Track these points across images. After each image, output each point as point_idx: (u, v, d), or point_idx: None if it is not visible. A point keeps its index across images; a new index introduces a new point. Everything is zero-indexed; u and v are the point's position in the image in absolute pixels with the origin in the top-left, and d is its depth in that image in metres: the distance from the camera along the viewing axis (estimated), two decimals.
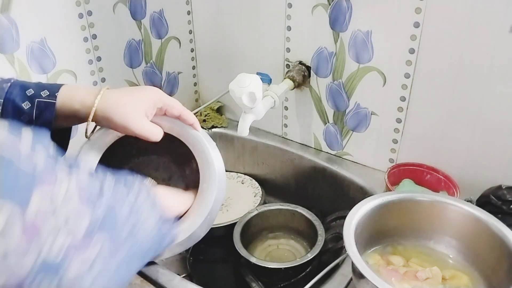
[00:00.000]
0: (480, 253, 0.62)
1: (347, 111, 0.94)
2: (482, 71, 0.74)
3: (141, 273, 0.69)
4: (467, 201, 0.66)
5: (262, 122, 1.01)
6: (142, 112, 0.58)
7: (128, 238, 0.41)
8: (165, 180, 0.69)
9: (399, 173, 0.87)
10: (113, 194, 0.41)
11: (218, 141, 1.15)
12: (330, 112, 0.97)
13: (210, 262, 0.97)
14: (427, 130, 0.85)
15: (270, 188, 1.11)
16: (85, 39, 0.91)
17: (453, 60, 0.76)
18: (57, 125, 0.57)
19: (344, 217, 0.61)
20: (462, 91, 0.77)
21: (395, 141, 0.90)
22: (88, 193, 0.37)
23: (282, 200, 1.04)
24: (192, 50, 1.17)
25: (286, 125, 1.07)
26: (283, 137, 1.09)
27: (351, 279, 0.67)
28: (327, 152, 1.03)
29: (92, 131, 0.63)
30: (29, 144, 0.35)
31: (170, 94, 1.16)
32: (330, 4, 0.86)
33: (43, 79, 0.86)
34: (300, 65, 0.95)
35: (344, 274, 0.70)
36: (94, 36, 0.92)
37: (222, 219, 0.95)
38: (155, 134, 0.59)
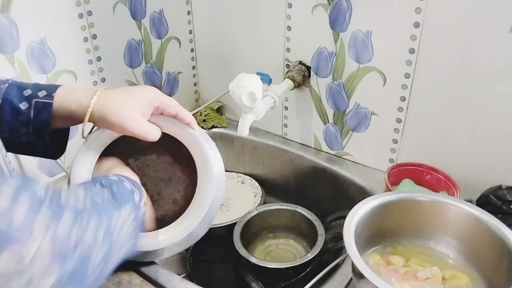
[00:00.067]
0: (480, 253, 0.62)
1: (347, 111, 0.94)
2: (482, 71, 0.74)
3: (141, 273, 0.69)
4: (467, 201, 0.66)
5: (262, 122, 1.01)
6: (139, 111, 0.57)
7: (98, 277, 0.41)
8: (164, 180, 0.69)
9: (399, 173, 0.87)
10: (91, 243, 0.40)
11: (218, 141, 1.15)
12: (330, 112, 0.97)
13: (210, 262, 0.97)
14: (427, 130, 0.85)
15: (270, 188, 1.11)
16: (85, 39, 0.91)
17: (453, 60, 0.76)
18: (55, 125, 0.57)
19: (344, 217, 0.61)
20: (462, 91, 0.77)
21: (395, 141, 0.90)
22: (62, 247, 0.37)
23: (282, 200, 1.04)
24: (192, 50, 1.17)
25: (286, 125, 1.07)
26: (283, 137, 1.09)
27: (351, 279, 0.67)
28: (327, 152, 1.03)
29: (90, 132, 0.63)
30: (8, 197, 0.34)
31: (170, 94, 1.16)
32: (330, 4, 0.86)
33: (43, 79, 0.86)
34: (300, 65, 0.95)
35: (344, 274, 0.70)
36: (94, 36, 0.92)
37: (222, 219, 0.95)
38: (152, 133, 0.59)
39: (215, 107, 1.18)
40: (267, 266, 0.81)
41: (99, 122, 0.57)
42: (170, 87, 1.15)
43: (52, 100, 0.55)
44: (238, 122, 0.84)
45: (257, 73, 1.01)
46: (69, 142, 0.64)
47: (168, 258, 0.95)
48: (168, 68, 1.12)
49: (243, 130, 0.84)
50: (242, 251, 0.82)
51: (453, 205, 0.64)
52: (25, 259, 0.33)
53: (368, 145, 0.94)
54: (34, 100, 0.55)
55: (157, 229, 0.65)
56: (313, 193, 1.04)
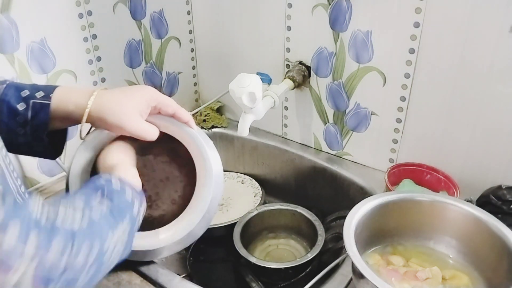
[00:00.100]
0: (480, 253, 0.62)
1: (347, 111, 0.94)
2: (482, 71, 0.74)
3: (141, 273, 0.69)
4: (467, 201, 0.66)
5: (262, 122, 1.01)
6: (137, 111, 0.57)
7: None
8: (163, 180, 0.69)
9: (399, 173, 0.87)
10: (81, 267, 0.40)
11: (218, 141, 1.15)
12: (330, 112, 0.97)
13: (210, 262, 0.97)
14: (427, 130, 0.85)
15: (270, 188, 1.11)
16: (85, 39, 0.91)
17: (453, 60, 0.76)
18: (53, 126, 0.57)
19: (344, 217, 0.61)
20: (462, 91, 0.77)
21: (395, 141, 0.90)
22: (48, 273, 0.37)
23: (282, 200, 1.04)
24: (192, 50, 1.17)
25: (286, 125, 1.07)
26: (283, 137, 1.09)
27: (351, 279, 0.67)
28: (327, 152, 1.03)
29: (88, 133, 0.63)
30: None
31: (170, 94, 1.16)
32: (330, 4, 0.86)
33: (43, 79, 0.86)
34: (300, 65, 0.95)
35: (344, 274, 0.70)
36: (94, 36, 0.92)
37: (222, 219, 0.95)
38: (150, 133, 0.59)
39: (215, 107, 1.18)
40: (267, 266, 0.81)
41: (97, 122, 0.57)
42: (170, 87, 1.15)
43: (50, 100, 0.55)
44: (238, 122, 0.84)
45: (257, 73, 1.01)
46: (69, 142, 0.64)
47: (168, 258, 0.95)
48: (168, 68, 1.12)
49: (243, 130, 0.84)
50: (242, 251, 0.82)
51: (453, 205, 0.64)
52: (7, 284, 0.34)
53: (368, 145, 0.94)
54: (31, 101, 0.55)
55: (157, 229, 0.65)
56: (313, 193, 1.04)
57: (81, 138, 0.62)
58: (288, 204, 0.96)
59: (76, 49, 0.90)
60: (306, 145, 1.06)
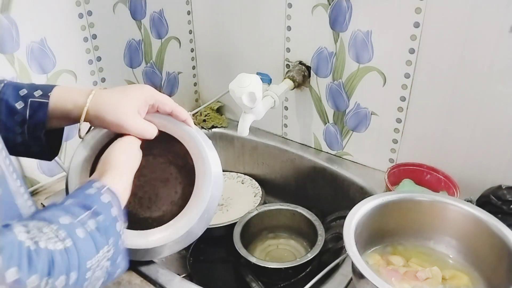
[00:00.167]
0: (480, 253, 0.62)
1: (347, 111, 0.94)
2: (482, 71, 0.74)
3: (141, 273, 0.69)
4: (467, 201, 0.66)
5: (262, 122, 1.01)
6: (134, 110, 0.57)
7: None
8: (162, 180, 0.69)
9: (399, 173, 0.87)
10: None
11: (218, 141, 1.15)
12: (330, 112, 0.97)
13: (210, 262, 0.97)
14: (427, 130, 0.85)
15: (270, 188, 1.11)
16: (85, 39, 0.91)
17: (453, 60, 0.76)
18: (51, 125, 0.57)
19: (344, 217, 0.61)
20: (462, 91, 0.77)
21: (395, 141, 0.90)
22: None
23: (282, 200, 1.04)
24: (192, 50, 1.17)
25: (286, 125, 1.07)
26: (283, 137, 1.09)
27: (351, 279, 0.67)
28: (327, 152, 1.03)
29: (87, 132, 0.63)
30: None
31: (170, 94, 1.16)
32: (330, 4, 0.86)
33: (43, 79, 0.86)
34: (300, 65, 0.95)
35: (344, 274, 0.70)
36: (94, 36, 0.92)
37: (222, 219, 0.95)
38: (148, 131, 0.59)
39: (215, 107, 1.18)
40: (267, 266, 0.81)
41: (95, 121, 0.57)
42: (170, 87, 1.15)
43: (48, 99, 0.55)
44: (238, 122, 0.84)
45: (257, 73, 1.01)
46: (69, 142, 0.64)
47: (168, 258, 0.95)
48: (168, 68, 1.12)
49: (243, 130, 0.84)
50: (242, 251, 0.82)
51: (453, 205, 0.64)
52: None
53: (368, 145, 0.94)
54: (29, 99, 0.55)
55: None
56: (313, 193, 1.04)
57: (80, 137, 0.62)
58: (288, 204, 0.96)
59: (76, 49, 0.90)
60: (306, 145, 1.06)
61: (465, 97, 0.78)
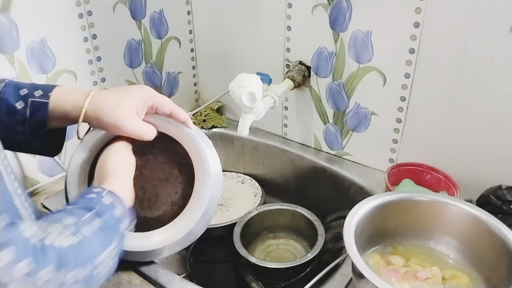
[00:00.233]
0: (480, 253, 0.62)
1: (347, 111, 0.94)
2: (482, 71, 0.74)
3: (141, 273, 0.69)
4: (467, 201, 0.66)
5: (262, 122, 1.01)
6: (133, 111, 0.57)
7: None
8: (161, 180, 0.68)
9: (399, 173, 0.87)
10: (73, 284, 0.41)
11: (218, 141, 1.15)
12: (330, 112, 0.97)
13: (210, 262, 0.97)
14: (427, 130, 0.85)
15: (270, 188, 1.11)
16: (85, 39, 0.91)
17: (453, 60, 0.76)
18: (51, 125, 0.57)
19: (344, 217, 0.61)
20: (462, 91, 0.77)
21: (395, 141, 0.90)
22: None
23: (282, 200, 1.04)
24: (192, 50, 1.17)
25: (286, 125, 1.07)
26: (283, 137, 1.09)
27: (351, 279, 0.67)
28: (327, 152, 1.03)
29: (86, 132, 0.63)
30: None
31: (170, 94, 1.16)
32: (330, 4, 0.86)
33: (43, 79, 0.86)
34: (300, 65, 0.95)
35: (344, 274, 0.70)
36: (94, 36, 0.92)
37: (222, 219, 0.95)
38: (147, 133, 0.59)
39: (215, 107, 1.18)
40: (267, 266, 0.81)
41: (93, 122, 0.57)
42: (170, 87, 1.15)
43: (48, 99, 0.55)
44: (238, 122, 0.84)
45: (257, 73, 1.01)
46: (69, 142, 0.64)
47: (168, 258, 0.95)
48: (168, 68, 1.12)
49: (243, 130, 0.84)
50: (242, 251, 0.82)
51: (453, 205, 0.64)
52: None
53: (368, 145, 0.94)
54: (30, 99, 0.55)
55: (156, 229, 0.65)
56: (313, 193, 1.04)
57: (78, 138, 0.62)
58: (288, 204, 0.95)
59: (76, 49, 0.90)
60: (306, 145, 1.06)
61: (465, 97, 0.78)
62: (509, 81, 0.72)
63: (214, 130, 1.15)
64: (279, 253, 0.95)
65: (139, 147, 0.66)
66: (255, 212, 0.93)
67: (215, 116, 1.17)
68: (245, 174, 1.15)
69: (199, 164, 0.63)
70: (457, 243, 0.65)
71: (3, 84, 0.55)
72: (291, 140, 1.08)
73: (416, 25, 0.77)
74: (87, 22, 0.90)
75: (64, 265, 0.40)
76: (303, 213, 0.92)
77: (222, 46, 1.10)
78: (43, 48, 0.84)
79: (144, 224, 0.67)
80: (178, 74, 1.16)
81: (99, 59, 0.95)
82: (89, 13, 0.89)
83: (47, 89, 0.56)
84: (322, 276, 0.68)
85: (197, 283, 0.68)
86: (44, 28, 0.83)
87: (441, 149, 0.84)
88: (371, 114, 0.91)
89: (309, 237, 0.91)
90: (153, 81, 1.10)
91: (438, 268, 0.62)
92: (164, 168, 0.68)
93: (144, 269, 0.69)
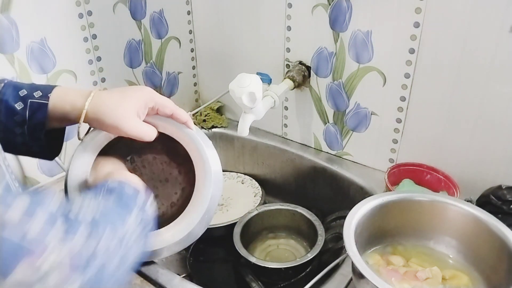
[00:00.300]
0: (480, 253, 0.62)
1: (347, 111, 0.94)
2: (482, 71, 0.74)
3: (141, 273, 0.69)
4: (467, 201, 0.66)
5: (262, 122, 1.01)
6: (134, 112, 0.57)
7: (114, 282, 0.43)
8: (161, 181, 0.68)
9: (399, 173, 0.87)
10: (107, 252, 0.41)
11: (218, 141, 1.15)
12: (330, 112, 0.97)
13: (210, 262, 0.97)
14: (427, 130, 0.85)
15: (270, 188, 1.11)
16: (85, 39, 0.91)
17: (453, 60, 0.76)
18: (51, 126, 0.57)
19: (344, 217, 0.61)
20: (462, 91, 0.77)
21: (395, 141, 0.90)
22: (80, 258, 0.38)
23: (282, 200, 1.04)
24: (192, 50, 1.17)
25: (286, 125, 1.07)
26: (283, 137, 1.09)
27: (351, 279, 0.67)
28: (327, 152, 1.03)
29: (86, 133, 0.63)
30: (21, 211, 0.35)
31: (170, 94, 1.16)
32: (330, 4, 0.86)
33: (43, 79, 0.86)
34: (300, 65, 0.95)
35: (344, 274, 0.70)
36: (94, 36, 0.92)
37: (222, 219, 0.95)
38: (148, 133, 0.59)
39: (215, 107, 1.18)
40: (267, 266, 0.81)
41: (94, 123, 0.57)
42: (170, 87, 1.15)
43: (48, 100, 0.55)
44: (238, 122, 0.84)
45: (257, 73, 1.01)
46: (69, 142, 0.64)
47: (168, 258, 0.95)
48: (168, 68, 1.12)
49: (243, 130, 0.84)
50: (242, 251, 0.82)
51: (453, 205, 0.64)
52: (42, 269, 0.34)
53: (368, 145, 0.94)
54: (29, 100, 0.55)
55: (156, 229, 0.65)
56: (313, 193, 1.04)
57: (79, 139, 0.62)
58: (288, 204, 0.95)
59: (76, 49, 0.90)
60: (306, 145, 1.06)
61: (465, 97, 0.78)
62: (509, 81, 0.72)
63: (214, 130, 1.15)
64: (279, 253, 0.95)
65: (141, 148, 0.66)
66: (255, 212, 0.93)
67: (215, 116, 1.17)
68: (245, 174, 1.15)
69: (200, 165, 0.63)
70: (457, 243, 0.65)
71: (2, 84, 0.55)
72: (291, 140, 1.08)
73: (416, 25, 0.77)
74: (87, 22, 0.90)
75: (95, 231, 0.40)
76: (303, 213, 0.92)
77: (222, 46, 1.10)
78: (43, 48, 0.84)
79: None
80: (178, 74, 1.16)
81: (99, 59, 0.95)
82: (89, 13, 0.89)
83: (47, 90, 0.56)
84: (322, 276, 0.68)
85: (197, 283, 0.68)
86: (44, 28, 0.83)
87: (441, 149, 0.84)
88: (371, 114, 0.91)
89: (309, 237, 0.91)
90: (153, 81, 1.10)
91: (438, 268, 0.62)
92: (164, 168, 0.68)
93: (144, 269, 0.69)
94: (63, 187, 0.64)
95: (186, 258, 0.95)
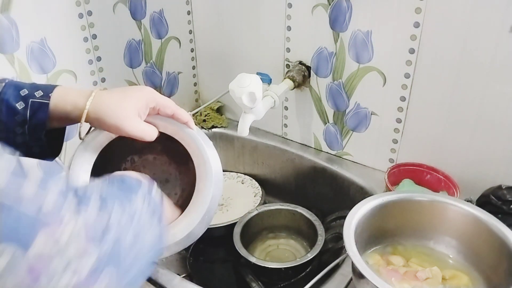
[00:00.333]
0: (480, 253, 0.62)
1: (347, 111, 0.94)
2: (482, 71, 0.74)
3: None
4: (467, 201, 0.66)
5: (262, 122, 1.01)
6: (135, 112, 0.57)
7: (133, 263, 0.42)
8: (162, 181, 0.68)
9: (399, 173, 0.87)
10: (119, 226, 0.41)
11: (218, 141, 1.15)
12: (330, 112, 0.97)
13: (210, 262, 0.97)
14: (427, 130, 0.85)
15: (270, 188, 1.11)
16: (85, 39, 0.91)
17: (453, 60, 0.76)
18: (52, 125, 0.57)
19: (344, 217, 0.61)
20: (462, 91, 0.77)
21: (395, 141, 0.90)
22: (95, 230, 0.38)
23: (282, 200, 1.04)
24: (192, 50, 1.17)
25: (286, 125, 1.07)
26: (283, 137, 1.09)
27: (351, 279, 0.67)
28: (327, 152, 1.03)
29: (87, 132, 0.63)
30: (36, 184, 0.35)
31: (170, 94, 1.16)
32: (330, 4, 0.86)
33: (43, 79, 0.86)
34: (300, 65, 0.95)
35: (344, 274, 0.70)
36: (94, 36, 0.92)
37: (222, 219, 0.95)
38: (149, 133, 0.59)
39: (215, 107, 1.18)
40: (267, 266, 0.81)
41: (95, 123, 0.57)
42: (170, 87, 1.15)
43: (49, 100, 0.55)
44: (238, 122, 0.84)
45: (257, 73, 1.01)
46: (69, 142, 0.64)
47: (168, 258, 0.95)
48: (168, 68, 1.12)
49: (243, 130, 0.84)
50: (242, 251, 0.82)
51: (453, 205, 0.64)
52: (60, 241, 0.34)
53: (368, 145, 0.94)
54: (30, 100, 0.55)
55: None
56: (313, 193, 1.04)
57: (80, 139, 0.62)
58: (288, 204, 0.95)
59: (76, 49, 0.90)
60: (306, 145, 1.06)
61: (465, 97, 0.78)
62: (509, 81, 0.72)
63: (214, 130, 1.15)
64: (279, 253, 0.95)
65: (141, 148, 0.66)
66: (255, 212, 0.93)
67: (215, 116, 1.17)
68: (245, 174, 1.15)
69: (201, 165, 0.63)
70: (457, 243, 0.65)
71: (3, 84, 0.55)
72: (291, 140, 1.08)
73: (416, 25, 0.77)
74: (87, 22, 0.90)
75: (106, 205, 0.40)
76: (303, 213, 0.92)
77: (222, 46, 1.10)
78: (43, 48, 0.84)
79: None
80: (178, 74, 1.16)
81: (99, 59, 0.95)
82: (89, 13, 0.89)
83: (48, 89, 0.56)
84: (322, 276, 0.68)
85: (197, 283, 0.68)
86: (44, 28, 0.83)
87: (441, 149, 0.84)
88: (371, 114, 0.91)
89: (309, 237, 0.91)
90: (153, 81, 1.10)
91: (438, 268, 0.62)
92: (164, 169, 0.68)
93: None
94: None
95: (186, 258, 0.95)
